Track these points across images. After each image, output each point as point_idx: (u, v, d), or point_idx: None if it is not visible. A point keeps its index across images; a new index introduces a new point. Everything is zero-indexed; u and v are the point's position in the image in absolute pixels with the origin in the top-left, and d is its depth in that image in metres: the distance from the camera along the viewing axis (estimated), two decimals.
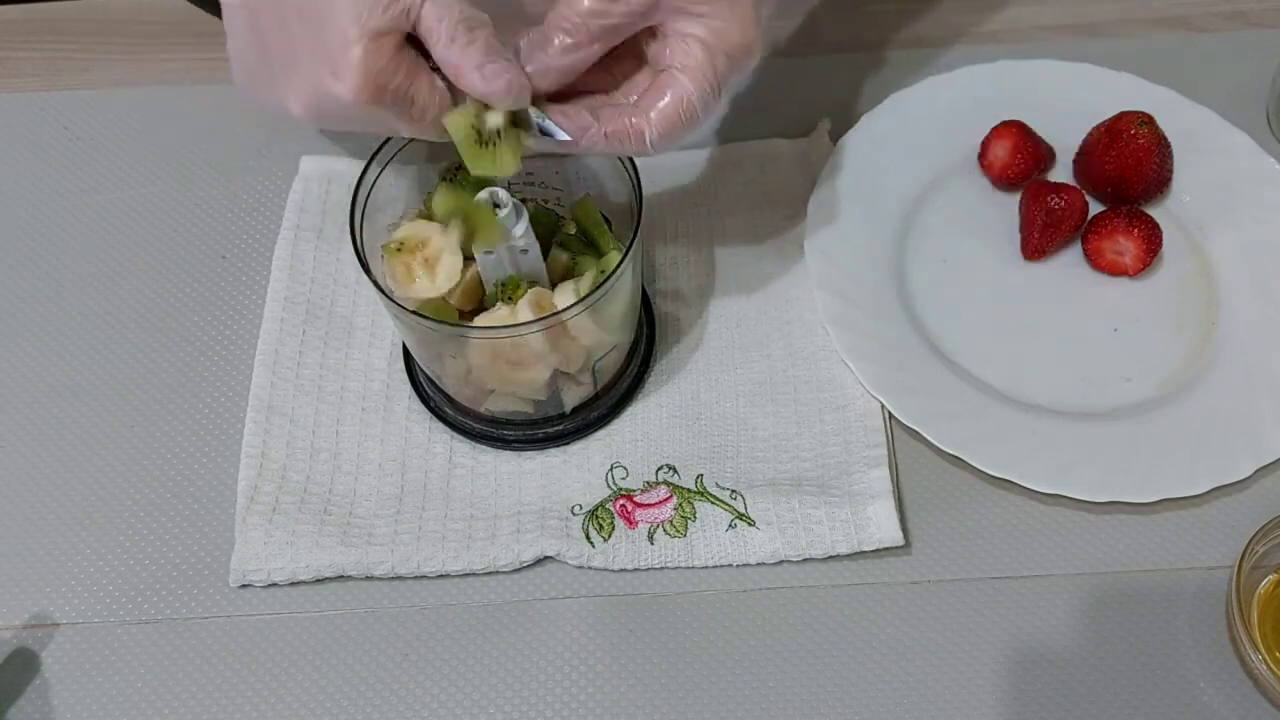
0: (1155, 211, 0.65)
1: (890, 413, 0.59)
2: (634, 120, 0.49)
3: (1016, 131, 0.65)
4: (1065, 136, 0.68)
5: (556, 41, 0.47)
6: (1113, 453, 0.57)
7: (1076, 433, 0.58)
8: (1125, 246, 0.62)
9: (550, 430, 0.59)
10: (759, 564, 0.56)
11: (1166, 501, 0.56)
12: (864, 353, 0.60)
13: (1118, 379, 0.61)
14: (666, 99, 0.48)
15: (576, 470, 0.59)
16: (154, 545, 0.58)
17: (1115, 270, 0.63)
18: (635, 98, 0.50)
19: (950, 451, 0.57)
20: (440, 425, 0.60)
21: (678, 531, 0.56)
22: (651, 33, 0.49)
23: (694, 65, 0.48)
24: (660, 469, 0.59)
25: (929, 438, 0.57)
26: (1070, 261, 0.64)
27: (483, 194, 0.52)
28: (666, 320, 0.63)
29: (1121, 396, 0.60)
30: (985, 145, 0.66)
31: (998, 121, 0.66)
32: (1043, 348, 0.62)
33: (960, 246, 0.65)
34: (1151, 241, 0.62)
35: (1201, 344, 0.61)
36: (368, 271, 0.52)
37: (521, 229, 0.53)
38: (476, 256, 0.54)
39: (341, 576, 0.56)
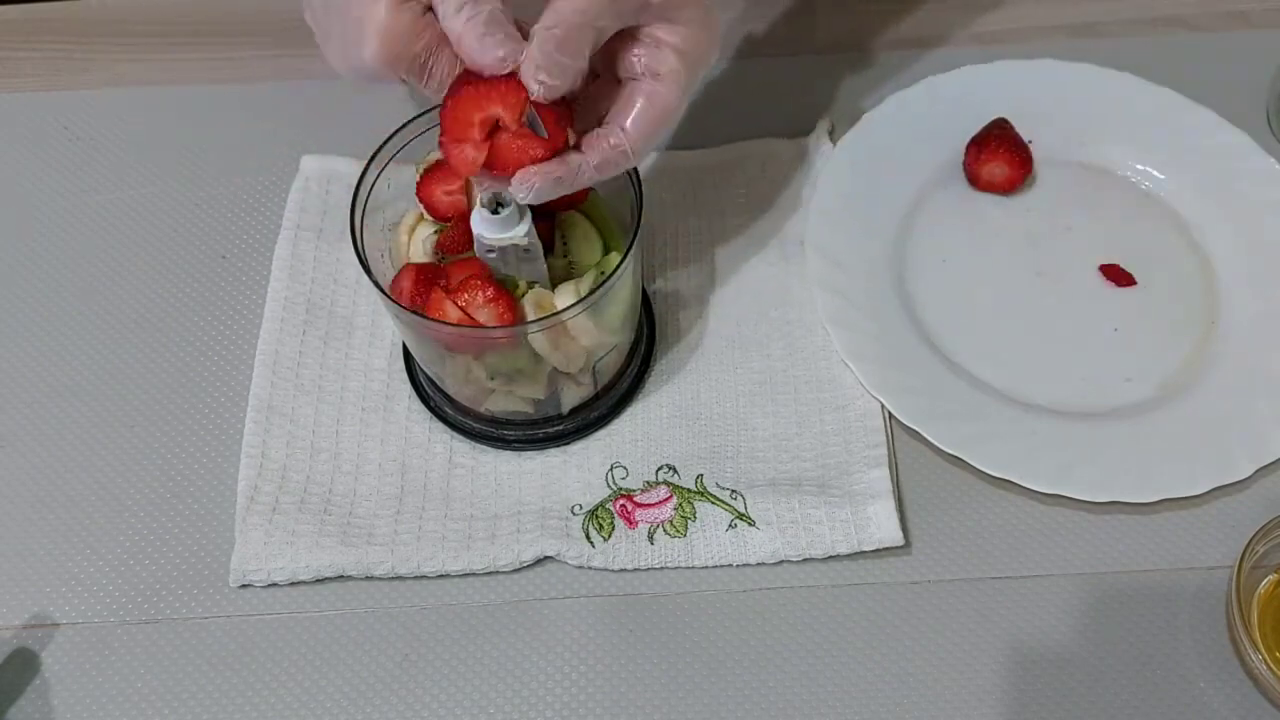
0: (1153, 211, 0.65)
1: (890, 413, 0.59)
2: (613, 141, 0.49)
3: (1007, 147, 0.65)
4: (1064, 137, 0.68)
5: (553, 32, 0.46)
6: (1113, 453, 0.57)
7: (1076, 433, 0.58)
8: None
9: (550, 430, 0.59)
10: (759, 564, 0.56)
11: (1166, 501, 0.56)
12: (864, 353, 0.60)
13: (1118, 379, 0.61)
14: (639, 106, 0.49)
15: (576, 470, 0.59)
16: (154, 545, 0.58)
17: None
18: (606, 114, 0.50)
19: (950, 451, 0.57)
20: (440, 425, 0.60)
21: (678, 531, 0.56)
22: (626, 40, 0.49)
23: (669, 72, 0.48)
24: (660, 469, 0.59)
25: (929, 438, 0.57)
26: (1072, 263, 0.64)
27: (485, 193, 0.52)
28: (666, 320, 0.63)
29: (1121, 396, 0.60)
30: (976, 163, 0.66)
31: (992, 124, 0.66)
32: (1043, 347, 0.62)
33: (960, 246, 0.65)
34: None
35: (1201, 344, 0.61)
36: (368, 271, 0.52)
37: (524, 229, 0.53)
38: (479, 255, 0.54)
39: (341, 576, 0.56)
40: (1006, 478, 0.56)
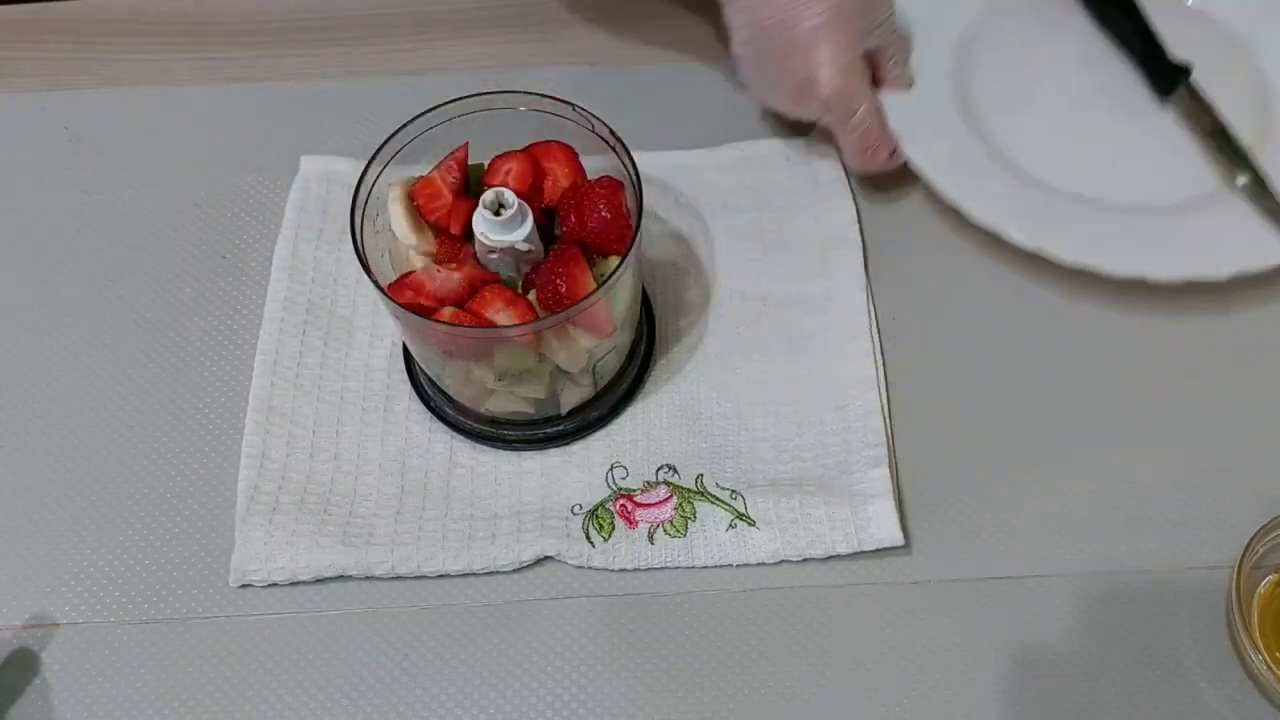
0: (1207, 26, 0.70)
1: (889, 408, 0.59)
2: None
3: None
4: None
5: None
6: (1187, 239, 0.60)
7: (1150, 224, 0.61)
8: None
9: (550, 430, 0.59)
10: (759, 564, 0.56)
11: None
12: (939, 165, 0.63)
13: (1184, 179, 0.63)
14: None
15: (576, 470, 0.59)
16: (154, 545, 0.58)
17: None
18: None
19: (1029, 246, 0.60)
20: (440, 425, 0.60)
21: (678, 531, 0.56)
22: None
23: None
24: (660, 469, 0.59)
25: (1008, 235, 0.60)
26: (1129, 79, 0.68)
27: (488, 194, 0.52)
28: (666, 320, 0.63)
29: (1188, 190, 0.63)
30: None
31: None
32: (1108, 154, 0.65)
33: (1022, 69, 0.68)
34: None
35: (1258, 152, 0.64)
36: (368, 271, 0.52)
37: (525, 231, 0.53)
38: (479, 257, 0.54)
39: (341, 576, 0.56)
40: (1087, 265, 0.59)
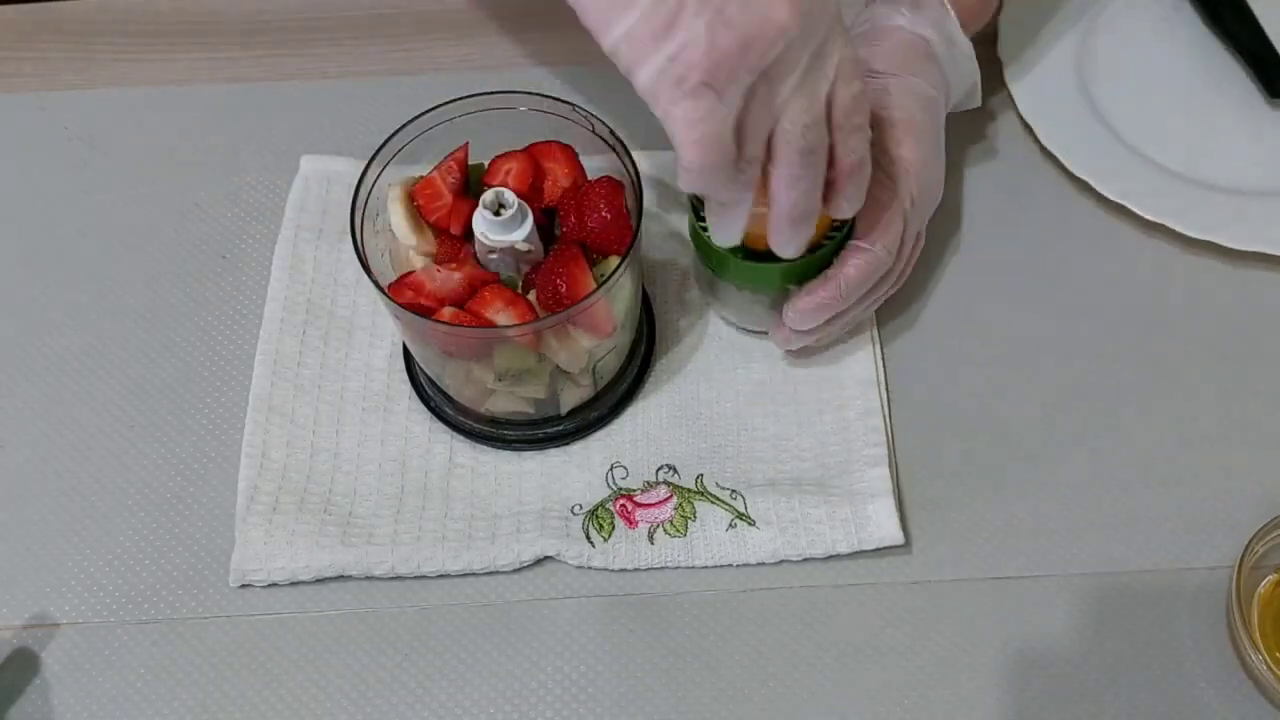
0: None
1: (889, 408, 0.59)
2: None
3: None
4: None
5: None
6: (1260, 216, 0.64)
7: (1226, 198, 0.64)
8: None
9: (550, 430, 0.59)
10: (759, 564, 0.56)
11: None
12: (1043, 116, 0.67)
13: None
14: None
15: (576, 470, 0.59)
16: (154, 545, 0.58)
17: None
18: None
19: (1113, 198, 0.64)
20: (440, 425, 0.60)
21: (678, 531, 0.56)
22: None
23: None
24: (660, 469, 0.59)
25: (1096, 186, 0.64)
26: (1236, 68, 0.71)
27: (488, 194, 0.52)
28: (666, 320, 0.63)
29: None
30: None
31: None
32: (1208, 132, 0.68)
33: (1139, 58, 0.71)
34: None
35: None
36: (368, 271, 0.52)
37: (525, 231, 0.53)
38: (479, 257, 0.54)
39: (341, 576, 0.56)
40: (1162, 222, 0.63)
